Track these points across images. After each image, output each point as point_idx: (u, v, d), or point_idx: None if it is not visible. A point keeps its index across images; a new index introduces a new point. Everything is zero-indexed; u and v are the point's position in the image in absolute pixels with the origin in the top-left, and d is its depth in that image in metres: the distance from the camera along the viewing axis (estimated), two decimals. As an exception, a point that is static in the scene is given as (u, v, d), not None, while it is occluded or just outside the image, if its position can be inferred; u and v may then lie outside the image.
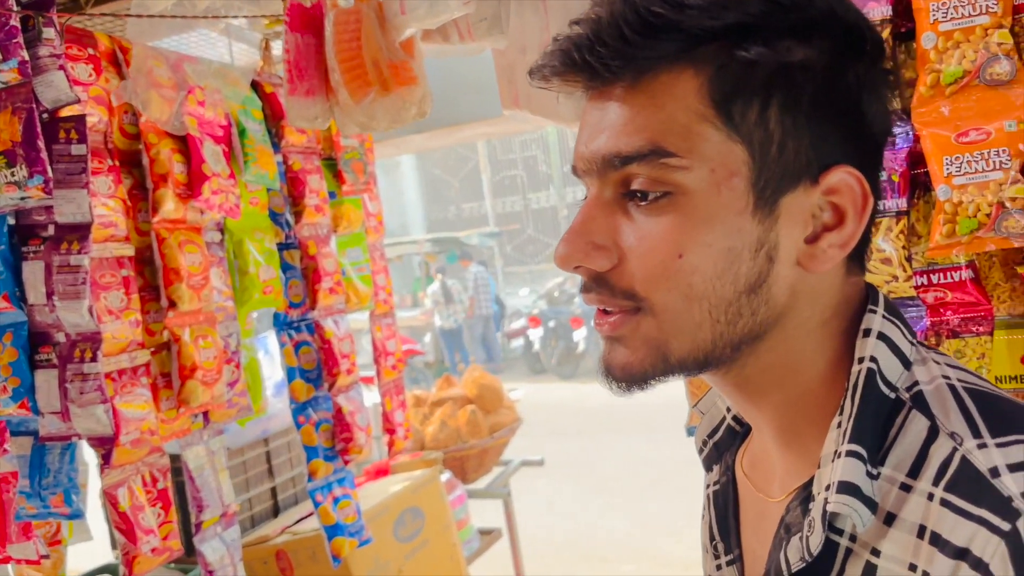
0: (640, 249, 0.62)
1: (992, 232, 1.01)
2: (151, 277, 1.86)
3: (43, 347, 1.62)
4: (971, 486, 0.55)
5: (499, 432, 3.60)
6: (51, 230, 1.61)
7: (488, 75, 2.38)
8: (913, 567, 0.57)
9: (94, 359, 1.60)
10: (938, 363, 0.65)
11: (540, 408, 8.42)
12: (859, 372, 0.63)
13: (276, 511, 2.72)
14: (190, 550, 2.22)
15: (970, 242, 1.03)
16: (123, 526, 1.71)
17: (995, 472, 0.55)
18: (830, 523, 0.61)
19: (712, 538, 0.79)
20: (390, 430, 2.58)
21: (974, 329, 1.13)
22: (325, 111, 1.40)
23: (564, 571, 4.67)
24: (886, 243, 1.11)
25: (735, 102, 0.60)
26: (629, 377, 0.65)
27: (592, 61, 0.60)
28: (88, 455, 2.18)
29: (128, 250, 1.76)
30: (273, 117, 2.17)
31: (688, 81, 0.60)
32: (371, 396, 2.92)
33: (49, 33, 1.54)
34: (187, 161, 1.87)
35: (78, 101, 1.58)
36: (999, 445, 0.56)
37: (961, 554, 0.54)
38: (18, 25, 1.50)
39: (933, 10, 1.04)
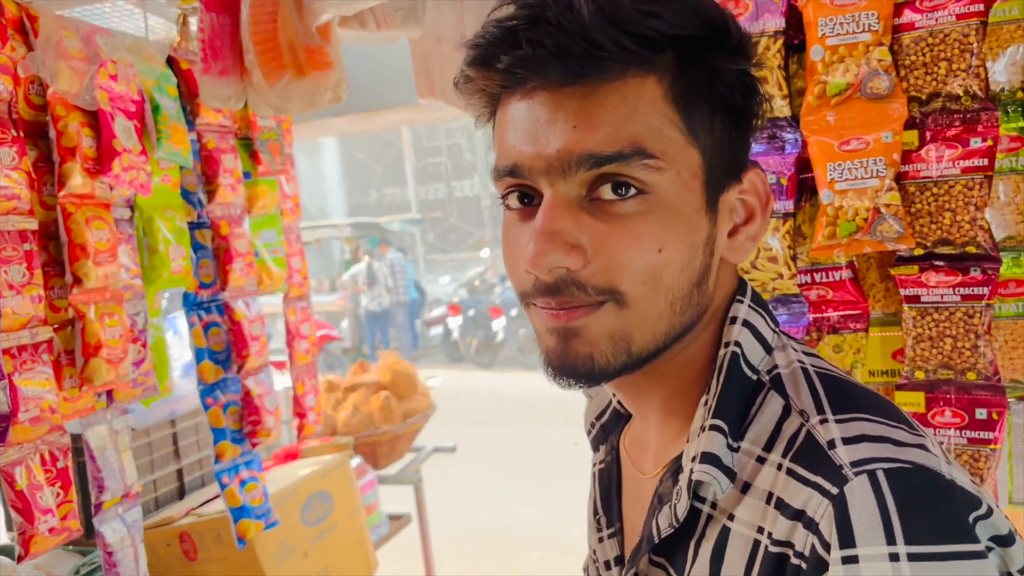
0: (620, 245, 0.63)
1: (868, 235, 1.09)
2: (56, 252, 1.81)
3: (-62, 321, 1.58)
4: (811, 456, 0.61)
5: (412, 418, 3.62)
6: (-50, 201, 1.56)
7: (409, 62, 2.39)
8: (760, 529, 0.62)
9: (-8, 334, 1.56)
10: (795, 350, 0.71)
11: (457, 396, 8.46)
12: (724, 355, 0.68)
13: (182, 493, 2.69)
14: (90, 532, 2.19)
15: (849, 244, 1.10)
16: (19, 505, 1.67)
17: (832, 444, 0.61)
18: (695, 492, 0.66)
19: (596, 512, 0.84)
20: (300, 414, 2.57)
21: (852, 326, 1.21)
22: (239, 91, 1.39)
23: (474, 558, 4.72)
24: (773, 241, 1.17)
25: (694, 108, 0.64)
26: (589, 372, 0.66)
27: (570, 55, 0.60)
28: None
29: (31, 224, 1.72)
30: (188, 94, 2.13)
31: (652, 87, 0.63)
32: (282, 380, 2.91)
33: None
34: (97, 136, 1.83)
35: (-19, 69, 1.54)
36: (838, 421, 0.62)
37: (798, 515, 0.60)
38: (-82, -13, 1.45)
39: (821, 25, 1.10)
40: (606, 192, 0.63)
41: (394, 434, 3.52)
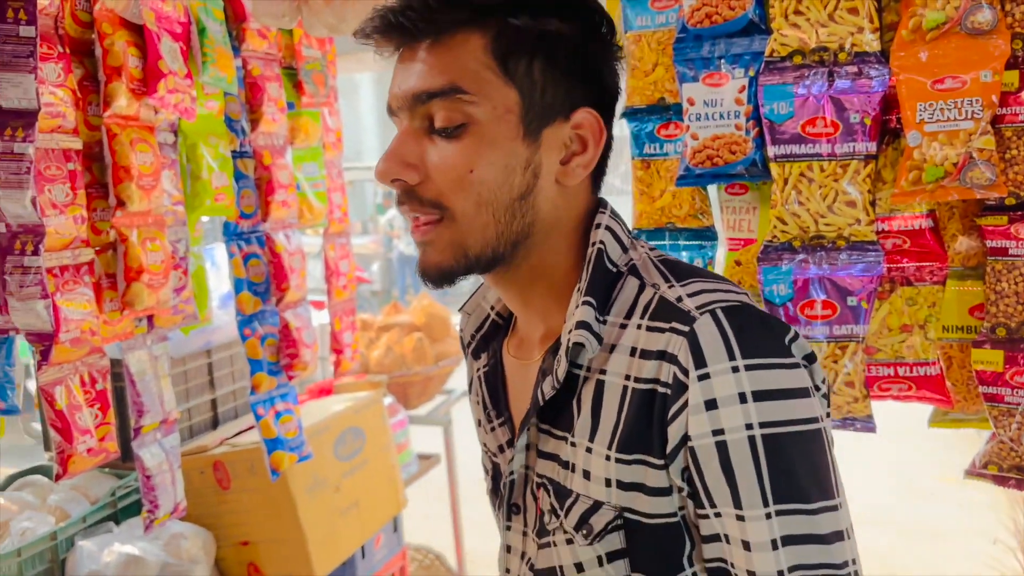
0: (442, 166, 0.81)
1: (957, 182, 1.02)
2: (99, 174, 1.79)
3: (-18, 237, 1.57)
4: (665, 311, 0.80)
5: (445, 361, 3.61)
6: (-5, 115, 1.54)
7: None
8: (628, 376, 0.80)
9: (36, 252, 1.55)
10: (643, 247, 0.90)
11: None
12: (592, 252, 0.85)
13: (215, 423, 2.70)
14: (126, 455, 2.21)
15: (935, 190, 1.04)
16: (59, 424, 1.68)
17: (679, 299, 0.80)
18: (572, 360, 0.83)
19: (485, 407, 0.99)
20: (338, 350, 2.56)
21: (928, 278, 1.15)
22: (292, 9, 1.34)
23: (498, 501, 4.74)
24: (851, 186, 1.11)
25: (510, 58, 0.81)
26: (440, 275, 0.84)
27: (405, 23, 0.80)
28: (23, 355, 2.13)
29: (76, 143, 1.70)
30: (235, 19, 2.08)
31: (476, 41, 0.81)
32: (319, 318, 2.89)
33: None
34: (143, 56, 1.79)
35: (29, -21, 1.50)
36: (681, 284, 0.81)
37: (660, 355, 0.78)
38: None
39: (922, -47, 1.03)
40: (438, 123, 0.81)
41: (426, 375, 3.52)
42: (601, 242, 0.86)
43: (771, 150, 1.14)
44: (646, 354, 0.79)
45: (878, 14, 1.09)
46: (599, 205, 0.91)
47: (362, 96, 15.79)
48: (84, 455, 1.71)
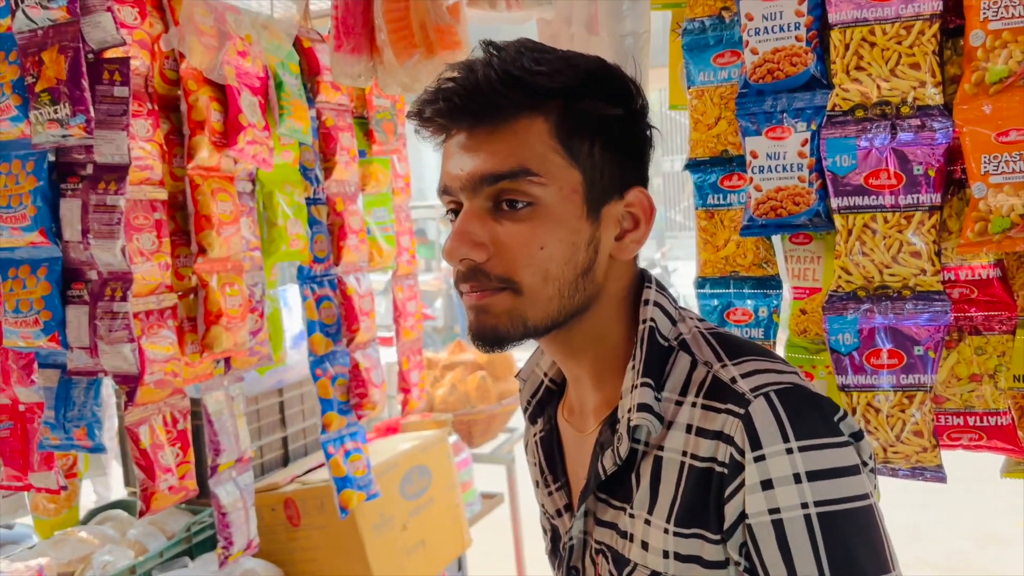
0: (513, 244, 0.84)
1: (1024, 232, 1.02)
2: (182, 222, 1.88)
3: (75, 283, 1.66)
4: (719, 392, 0.83)
5: (507, 399, 3.63)
6: (89, 169, 1.63)
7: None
8: (685, 452, 0.83)
9: (124, 298, 1.63)
10: (692, 319, 0.93)
11: (547, 380, 8.42)
12: (644, 330, 0.89)
13: (286, 460, 2.77)
14: (202, 492, 2.28)
15: (1001, 241, 1.04)
16: (143, 462, 1.75)
17: (733, 380, 0.83)
18: (632, 435, 0.86)
19: (542, 471, 1.03)
20: (405, 389, 2.61)
21: (997, 328, 1.15)
22: (368, 69, 1.41)
23: (561, 541, 4.71)
24: (916, 237, 1.12)
25: (573, 140, 0.85)
26: (496, 338, 0.87)
27: (472, 107, 0.83)
28: (106, 393, 2.22)
29: (162, 194, 1.79)
30: (309, 72, 2.18)
31: (540, 124, 0.84)
32: (387, 356, 2.95)
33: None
34: (224, 110, 1.89)
35: (124, 43, 1.60)
36: (734, 364, 0.85)
37: (717, 435, 0.81)
38: (68, -36, 1.51)
39: (984, 8, 1.04)
40: (504, 205, 0.84)
41: (489, 414, 3.55)
42: (652, 319, 0.90)
43: (834, 202, 1.16)
44: (703, 432, 0.83)
45: (940, 68, 1.10)
46: (643, 278, 0.94)
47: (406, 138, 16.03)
48: (166, 492, 1.78)
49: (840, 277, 1.17)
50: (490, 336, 0.86)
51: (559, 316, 0.87)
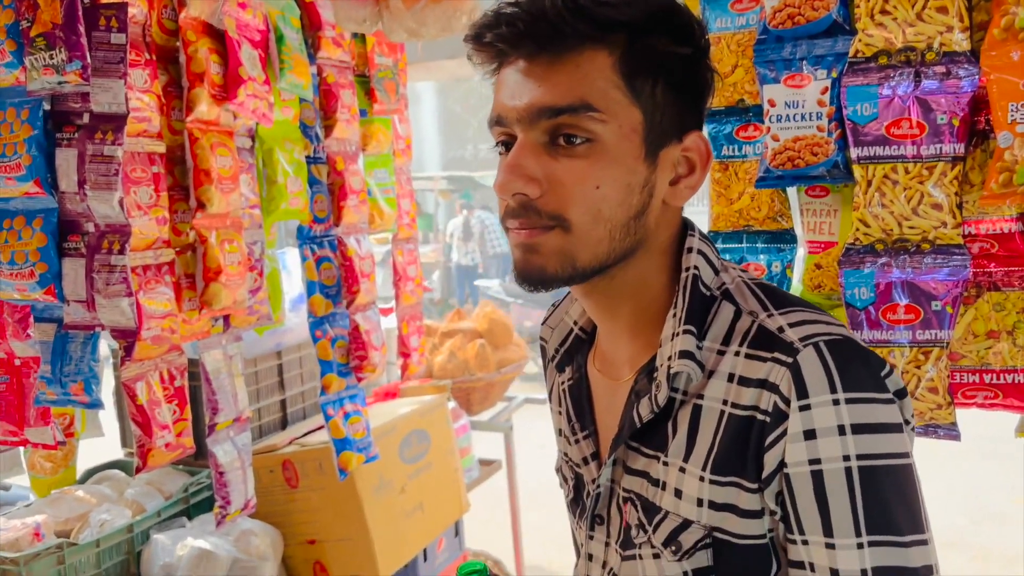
0: (567, 181, 0.81)
1: (1049, 184, 1.00)
2: (180, 177, 1.85)
3: (72, 235, 1.63)
4: (766, 341, 0.81)
5: (507, 368, 3.62)
6: (86, 118, 1.60)
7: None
8: (725, 401, 0.82)
9: (122, 251, 1.60)
10: (734, 268, 0.92)
11: (544, 352, 8.43)
12: (687, 277, 0.87)
13: (284, 424, 2.75)
14: (200, 452, 2.26)
15: (1025, 193, 1.01)
16: (139, 419, 1.73)
17: (781, 330, 0.81)
18: (671, 383, 0.85)
19: (569, 420, 1.01)
20: (405, 354, 2.59)
21: (1016, 284, 1.12)
22: (374, 14, 1.37)
23: (556, 506, 4.74)
24: (937, 189, 1.09)
25: (636, 77, 0.82)
26: (543, 279, 0.84)
27: (536, 34, 0.80)
28: (103, 353, 2.20)
29: (160, 147, 1.75)
30: (310, 27, 2.13)
31: (604, 58, 0.81)
32: (386, 323, 2.93)
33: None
34: (224, 63, 1.85)
35: (121, -12, 1.56)
36: (781, 314, 0.83)
37: (761, 383, 0.79)
38: (64, -95, 1.47)
39: (1015, -50, 1.01)
40: (561, 140, 0.81)
41: (488, 381, 3.54)
42: (695, 267, 0.88)
43: (854, 152, 1.13)
44: (745, 381, 0.81)
45: (968, 13, 1.07)
46: (687, 226, 0.92)
47: (423, 107, 15.96)
48: (163, 449, 1.76)
49: (858, 230, 1.15)
50: (536, 276, 0.84)
51: (607, 259, 0.85)
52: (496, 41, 0.82)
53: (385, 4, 1.32)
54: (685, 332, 0.85)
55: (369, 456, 2.30)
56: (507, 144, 0.85)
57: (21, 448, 2.24)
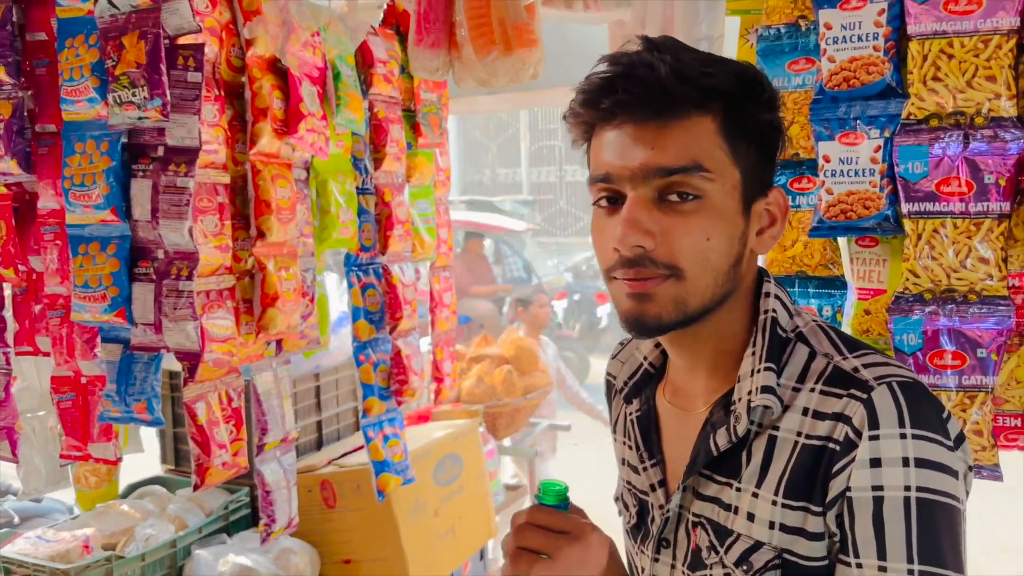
0: (681, 234, 0.89)
1: (1090, 242, 1.06)
2: (242, 206, 1.93)
3: (143, 261, 1.70)
4: (841, 380, 0.88)
5: (532, 394, 3.68)
6: (161, 151, 1.68)
7: (567, 42, 2.42)
8: (799, 433, 0.88)
9: (190, 278, 1.68)
10: (807, 314, 0.99)
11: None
12: (765, 319, 0.95)
13: (320, 444, 2.82)
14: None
15: (1067, 250, 1.08)
16: (199, 438, 1.80)
17: (856, 370, 0.88)
18: (750, 415, 0.91)
19: (637, 448, 1.07)
20: (439, 379, 2.66)
21: (1057, 334, 1.19)
22: (446, 63, 1.45)
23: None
24: (984, 244, 1.16)
25: (736, 140, 0.90)
26: (658, 326, 0.92)
27: (652, 99, 0.87)
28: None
29: (225, 178, 1.83)
30: (364, 64, 2.22)
31: (708, 124, 0.89)
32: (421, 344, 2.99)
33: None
34: (286, 98, 1.93)
35: (199, 31, 1.65)
36: (855, 356, 0.90)
37: (836, 417, 0.86)
38: (150, -48, 1.56)
39: (1060, 25, 1.09)
40: (672, 196, 0.89)
41: (514, 407, 3.59)
42: (773, 310, 0.96)
43: (905, 207, 1.20)
44: (820, 415, 0.88)
45: (1015, 81, 1.15)
46: (762, 273, 1.00)
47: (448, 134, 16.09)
48: (219, 468, 1.83)
49: (908, 279, 1.22)
50: (652, 323, 0.91)
51: (711, 303, 0.92)
52: (614, 105, 0.89)
53: (457, 54, 1.41)
54: (766, 369, 0.92)
55: (406, 479, 2.36)
56: (610, 199, 0.93)
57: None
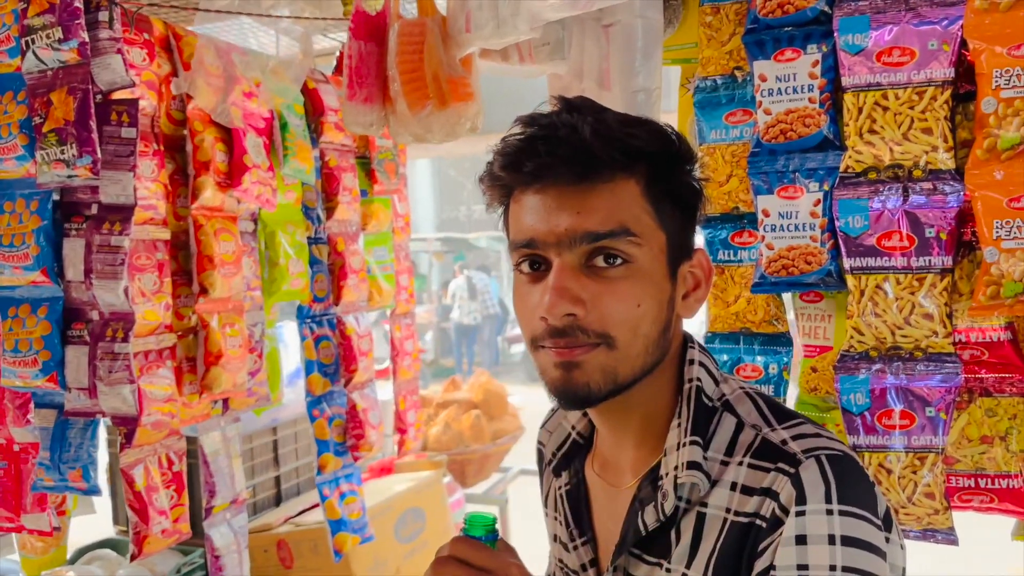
0: (611, 301, 0.84)
1: (1036, 297, 1.03)
2: (184, 262, 1.87)
3: (76, 323, 1.64)
4: (769, 453, 0.84)
5: (502, 439, 3.62)
6: (94, 209, 1.63)
7: (522, 87, 2.40)
8: (728, 509, 0.84)
9: (125, 339, 1.62)
10: (733, 380, 0.95)
11: (537, 415, 8.40)
12: (690, 389, 0.91)
13: (279, 500, 2.74)
14: (193, 532, 2.25)
15: (1013, 305, 1.04)
16: (137, 505, 1.73)
17: (784, 443, 0.84)
18: (677, 492, 0.86)
19: (567, 525, 1.01)
20: (402, 430, 2.59)
21: (1008, 390, 1.15)
22: (380, 119, 1.41)
23: (552, 582, 4.66)
24: (928, 299, 1.12)
25: (661, 203, 0.87)
26: (588, 395, 0.86)
27: (578, 162, 0.83)
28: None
29: (165, 234, 1.78)
30: (313, 112, 2.19)
31: (633, 187, 0.86)
32: (382, 392, 2.93)
33: (108, 16, 1.57)
34: (229, 151, 1.89)
35: (133, 85, 1.60)
36: (784, 428, 0.86)
37: (765, 492, 0.82)
38: (81, 6, 1.52)
39: (996, 76, 1.05)
40: (599, 261, 0.85)
41: (484, 453, 3.53)
42: (698, 379, 0.91)
43: (847, 262, 1.17)
44: (748, 490, 0.84)
45: (952, 133, 1.12)
46: (686, 339, 0.96)
47: (418, 169, 16.14)
48: (159, 536, 1.76)
49: (852, 337, 1.18)
50: (581, 393, 0.86)
51: (641, 372, 0.88)
52: (536, 170, 0.85)
53: (392, 109, 1.37)
54: (692, 443, 0.87)
55: (364, 537, 2.29)
56: (532, 264, 0.89)
57: (13, 528, 2.22)
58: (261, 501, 2.68)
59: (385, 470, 2.91)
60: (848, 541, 0.77)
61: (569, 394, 0.86)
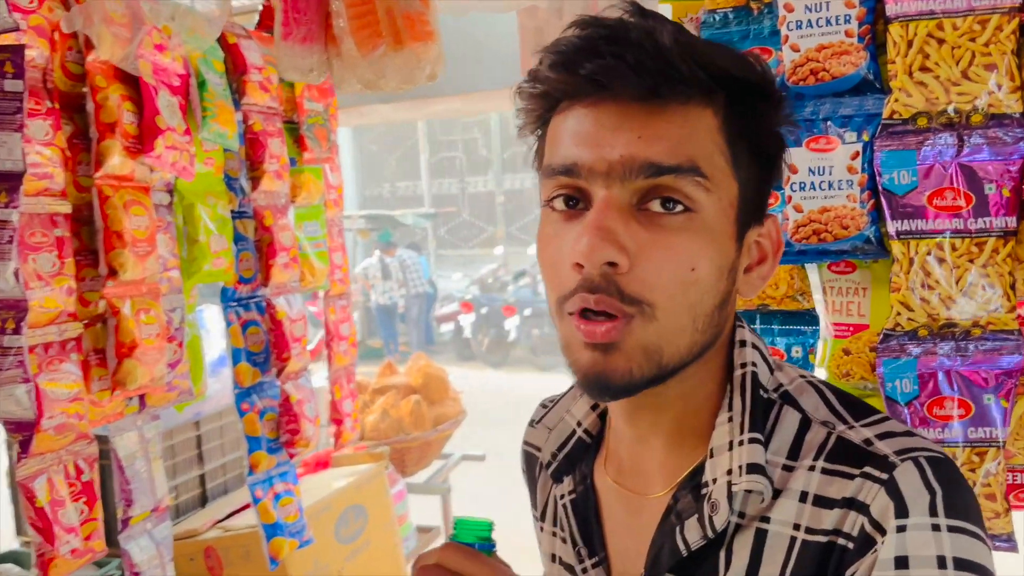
0: (660, 256, 0.67)
1: (1115, 263, 0.89)
2: (88, 239, 1.63)
3: (-43, 314, 1.39)
4: (850, 455, 0.68)
5: (443, 425, 3.44)
6: (-25, 177, 1.38)
7: (471, 47, 2.19)
8: (797, 526, 0.68)
9: (17, 331, 1.38)
10: (790, 367, 0.79)
11: (469, 395, 8.27)
12: (743, 375, 0.74)
13: (204, 501, 2.51)
14: (109, 543, 2.01)
15: (1086, 273, 0.90)
16: (40, 524, 1.49)
17: (868, 443, 0.69)
18: (733, 502, 0.70)
19: (575, 544, 0.83)
20: (338, 420, 2.39)
21: (1072, 372, 1.02)
22: (322, 63, 1.20)
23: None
24: (989, 267, 0.97)
25: (738, 144, 0.70)
26: (629, 385, 0.69)
27: (651, 73, 0.65)
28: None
29: (64, 207, 1.54)
30: (235, 70, 1.94)
31: (710, 118, 0.68)
32: (316, 381, 2.72)
33: (-14, -55, 1.31)
34: (139, 111, 1.64)
35: (17, 29, 1.35)
36: (864, 425, 0.70)
37: (847, 503, 0.66)
38: (-51, -69, 1.26)
39: (1072, 1, 0.91)
40: (655, 204, 0.67)
41: (424, 440, 3.34)
42: (752, 363, 0.75)
43: (892, 226, 1.00)
44: (824, 501, 0.68)
45: (1019, 71, 0.96)
46: (735, 318, 0.79)
47: (339, 145, 15.70)
48: (68, 557, 1.52)
49: (899, 314, 1.02)
50: (621, 381, 0.68)
51: (688, 354, 0.70)
52: (597, 74, 0.66)
53: (336, 51, 1.15)
54: (751, 441, 0.71)
55: (303, 541, 2.08)
56: (569, 200, 0.70)
57: None
58: (184, 503, 2.45)
59: (321, 464, 2.69)
60: (961, 564, 0.62)
61: (606, 384, 0.68)
